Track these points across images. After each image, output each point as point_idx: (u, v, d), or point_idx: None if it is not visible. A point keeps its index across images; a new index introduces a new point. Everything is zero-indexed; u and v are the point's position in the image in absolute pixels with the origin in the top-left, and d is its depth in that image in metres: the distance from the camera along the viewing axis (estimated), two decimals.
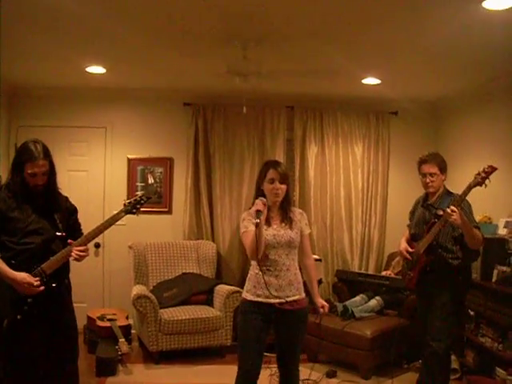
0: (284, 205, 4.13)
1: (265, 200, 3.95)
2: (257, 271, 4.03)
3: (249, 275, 4.12)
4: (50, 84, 7.17)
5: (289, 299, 4.02)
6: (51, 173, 3.88)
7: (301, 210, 4.29)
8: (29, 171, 3.73)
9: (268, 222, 4.03)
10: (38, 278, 3.68)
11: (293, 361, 4.20)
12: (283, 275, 4.02)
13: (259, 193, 4.11)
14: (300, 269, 4.23)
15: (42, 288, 3.69)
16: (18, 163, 3.78)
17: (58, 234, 3.88)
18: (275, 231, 4.02)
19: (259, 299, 4.00)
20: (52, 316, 3.86)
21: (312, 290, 4.33)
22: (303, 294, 4.16)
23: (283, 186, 4.06)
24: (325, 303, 4.31)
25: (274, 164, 4.12)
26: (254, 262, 4.06)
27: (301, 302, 4.10)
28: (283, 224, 4.07)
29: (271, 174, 4.04)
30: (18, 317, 3.69)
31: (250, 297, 4.04)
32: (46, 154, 3.81)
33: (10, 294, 3.68)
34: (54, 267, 3.76)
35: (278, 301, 4.00)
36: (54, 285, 3.79)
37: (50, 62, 6.11)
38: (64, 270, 3.93)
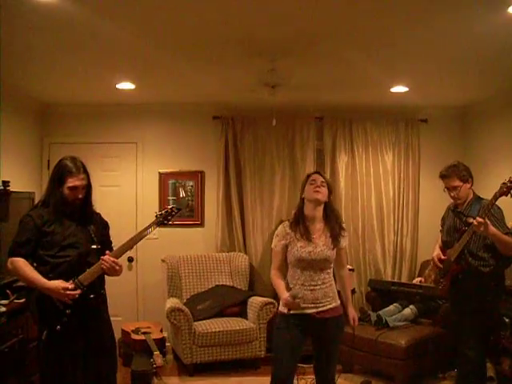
0: (330, 218, 4.14)
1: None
2: (291, 286, 4.04)
3: None
4: (80, 101, 7.28)
5: (325, 308, 4.03)
6: (89, 187, 3.96)
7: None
8: (70, 185, 3.81)
9: (308, 237, 4.02)
10: (71, 282, 3.72)
11: (329, 369, 4.19)
12: (318, 288, 4.04)
13: (301, 204, 4.16)
14: (334, 277, 4.23)
15: (79, 291, 3.72)
16: (58, 178, 3.86)
17: (93, 247, 3.94)
18: (311, 248, 4.00)
19: (296, 312, 3.97)
20: (90, 327, 3.90)
21: (346, 300, 4.34)
22: (338, 302, 4.17)
23: (324, 189, 4.06)
24: (355, 316, 4.33)
25: (317, 172, 4.20)
26: (288, 278, 4.09)
27: (337, 310, 4.12)
28: (323, 238, 4.07)
29: (313, 176, 4.10)
30: (57, 328, 3.73)
31: (286, 310, 3.99)
32: (85, 169, 3.92)
33: (49, 306, 3.74)
34: (91, 279, 3.81)
35: (314, 310, 4.01)
36: (91, 296, 3.84)
37: (81, 80, 6.20)
38: (100, 281, 3.98)
